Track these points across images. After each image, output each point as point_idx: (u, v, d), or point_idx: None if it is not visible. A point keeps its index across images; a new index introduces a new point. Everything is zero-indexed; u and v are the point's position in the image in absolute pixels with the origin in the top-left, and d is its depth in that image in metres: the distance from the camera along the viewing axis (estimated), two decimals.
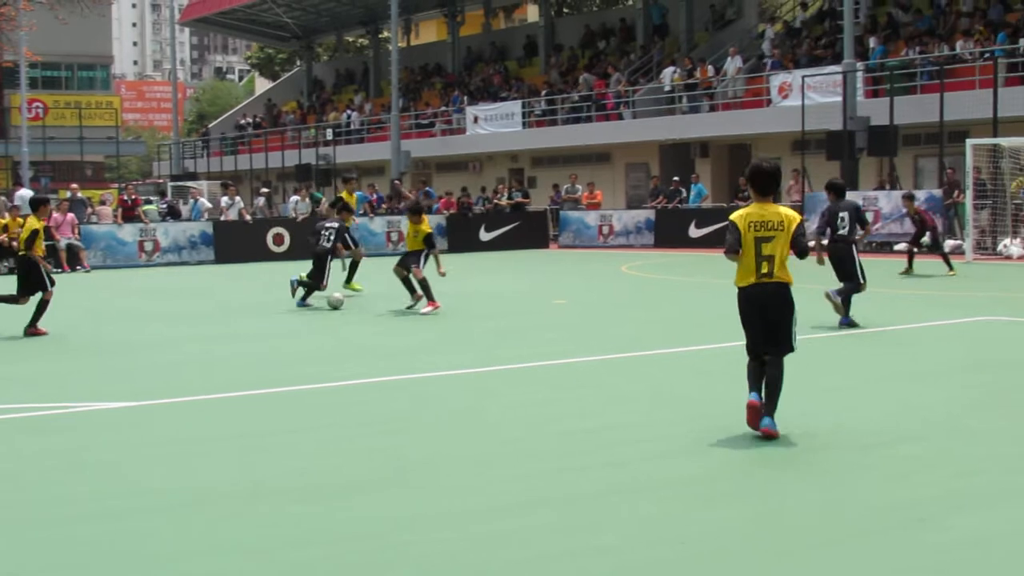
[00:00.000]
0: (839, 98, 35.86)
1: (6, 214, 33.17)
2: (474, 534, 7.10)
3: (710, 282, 25.44)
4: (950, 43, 37.44)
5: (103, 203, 40.28)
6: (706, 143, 44.78)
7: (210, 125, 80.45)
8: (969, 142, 30.30)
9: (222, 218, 39.47)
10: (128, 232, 36.53)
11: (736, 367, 12.75)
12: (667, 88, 45.46)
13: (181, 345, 16.48)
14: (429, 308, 19.72)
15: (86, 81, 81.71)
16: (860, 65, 37.22)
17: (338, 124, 59.99)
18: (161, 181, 66.83)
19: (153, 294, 25.84)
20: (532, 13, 71.72)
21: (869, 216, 30.55)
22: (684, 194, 40.57)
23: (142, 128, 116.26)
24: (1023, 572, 6.34)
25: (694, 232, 38.75)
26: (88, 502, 8.00)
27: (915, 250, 25.69)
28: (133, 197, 40.15)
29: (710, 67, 44.64)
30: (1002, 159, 30.56)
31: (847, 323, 16.33)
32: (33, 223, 18.15)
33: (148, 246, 36.42)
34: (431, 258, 20.08)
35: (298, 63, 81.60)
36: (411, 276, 20.11)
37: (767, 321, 9.73)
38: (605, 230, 40.81)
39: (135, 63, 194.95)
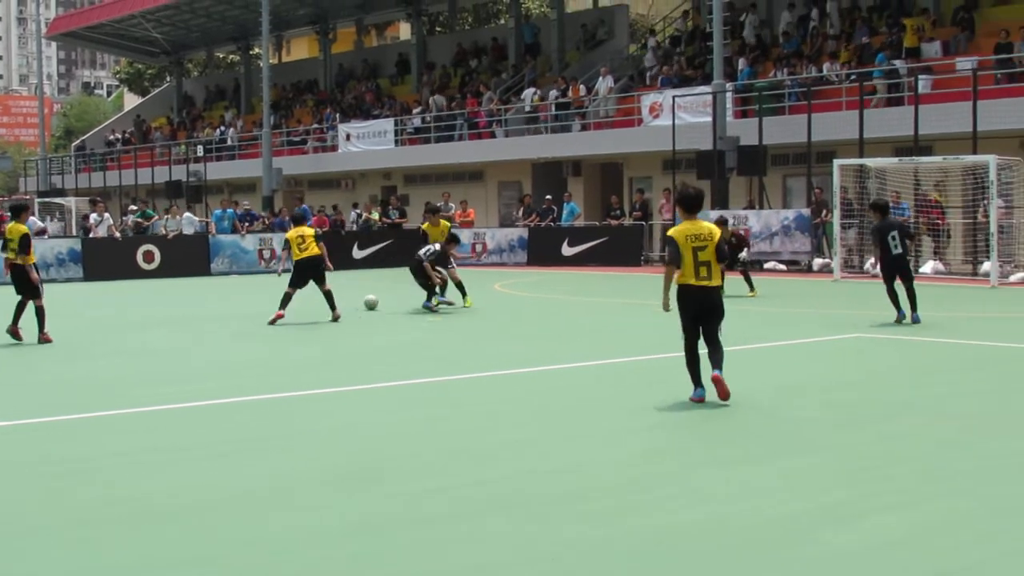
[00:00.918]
0: (709, 118, 36.27)
1: None
2: (341, 555, 7.05)
3: (583, 300, 25.59)
4: (817, 64, 38.07)
5: None
6: (578, 162, 44.99)
7: (77, 141, 79.26)
8: (836, 162, 30.80)
9: (91, 235, 38.84)
10: None
11: (611, 384, 12.82)
12: (527, 108, 45.66)
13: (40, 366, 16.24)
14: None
15: None
16: (729, 86, 37.67)
17: (209, 140, 59.37)
18: (28, 197, 65.62)
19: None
20: (404, 31, 71.62)
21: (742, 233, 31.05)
22: (556, 212, 40.70)
23: (8, 143, 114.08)
24: None
25: (567, 250, 38.96)
26: None
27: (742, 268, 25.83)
28: None
29: (582, 86, 44.90)
30: (868, 179, 31.12)
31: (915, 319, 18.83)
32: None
33: None
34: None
35: (168, 79, 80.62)
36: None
37: (706, 312, 11.91)
38: (479, 248, 40.83)
39: (0, 77, 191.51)
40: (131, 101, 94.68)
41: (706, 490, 8.54)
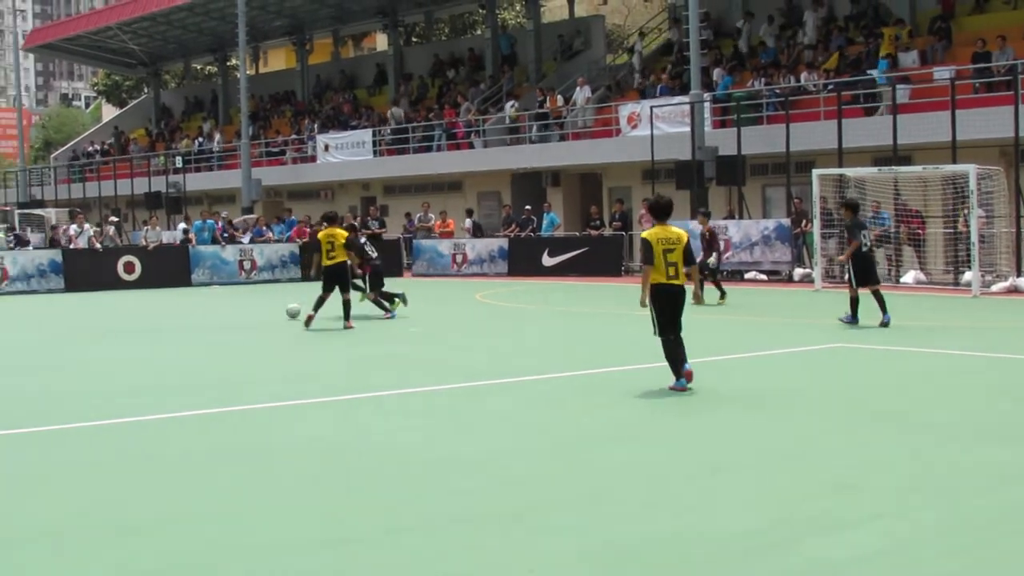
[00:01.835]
0: (687, 128, 36.29)
1: None
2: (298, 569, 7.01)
3: (564, 310, 25.58)
4: (795, 74, 38.12)
5: None
6: (557, 172, 44.98)
7: (56, 152, 79.04)
8: (815, 172, 30.80)
9: (71, 246, 38.78)
10: None
11: (587, 395, 12.82)
12: (507, 121, 45.64)
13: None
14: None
15: None
16: (707, 96, 37.72)
17: (188, 152, 59.22)
18: (8, 208, 65.45)
19: None
20: (381, 42, 71.60)
21: (722, 244, 31.11)
22: (535, 222, 40.67)
23: None
24: None
25: (547, 260, 38.90)
26: None
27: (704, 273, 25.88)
28: None
29: (559, 97, 44.90)
30: (848, 189, 31.14)
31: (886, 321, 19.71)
32: None
33: None
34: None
35: (146, 90, 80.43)
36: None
37: (675, 309, 13.35)
38: (459, 258, 40.80)
39: None
40: (109, 112, 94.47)
41: (684, 501, 8.52)
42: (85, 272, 37.00)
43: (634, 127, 39.95)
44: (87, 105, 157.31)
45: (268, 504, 8.61)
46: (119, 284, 36.80)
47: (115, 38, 64.27)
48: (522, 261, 39.45)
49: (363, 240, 24.78)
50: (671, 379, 13.33)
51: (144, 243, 39.17)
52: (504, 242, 40.54)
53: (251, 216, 45.53)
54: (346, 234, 22.91)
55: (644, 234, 13.57)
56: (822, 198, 30.87)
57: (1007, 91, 31.22)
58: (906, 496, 8.60)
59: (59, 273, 36.67)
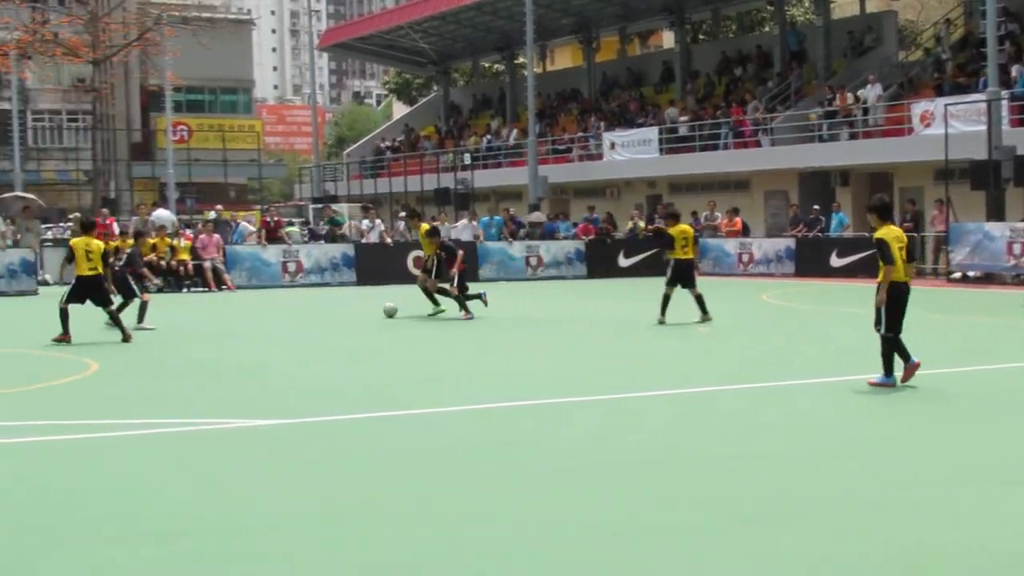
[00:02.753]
0: (983, 127, 35.30)
1: (153, 233, 34.10)
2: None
3: (854, 312, 25.26)
4: None
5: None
6: (846, 171, 44.31)
7: (348, 149, 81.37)
8: None
9: (363, 240, 40.01)
10: (272, 253, 37.28)
11: (877, 397, 12.67)
12: (811, 121, 45.09)
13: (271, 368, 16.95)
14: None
15: (228, 105, 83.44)
16: (1005, 93, 36.61)
17: (476, 149, 60.29)
18: (303, 203, 67.76)
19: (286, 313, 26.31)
20: (668, 40, 71.53)
21: (1016, 249, 30.27)
22: (824, 222, 40.12)
23: (283, 151, 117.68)
24: None
25: (836, 261, 38.28)
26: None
27: None
28: (276, 219, 40.86)
29: (850, 95, 44.20)
30: None
31: None
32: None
33: (291, 267, 37.09)
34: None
35: (435, 88, 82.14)
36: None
37: (904, 307, 13.80)
38: (745, 258, 40.60)
39: (275, 87, 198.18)
40: (399, 110, 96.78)
41: (975, 512, 8.39)
42: (375, 266, 38.20)
43: (927, 126, 39.05)
44: (378, 103, 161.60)
45: (560, 498, 8.83)
46: (408, 278, 37.60)
47: (406, 37, 65.90)
48: (809, 261, 38.97)
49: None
50: (910, 375, 13.59)
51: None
52: (791, 242, 40.14)
53: (539, 214, 46.12)
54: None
55: (879, 234, 13.84)
56: None
57: None
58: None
59: (351, 267, 37.94)
